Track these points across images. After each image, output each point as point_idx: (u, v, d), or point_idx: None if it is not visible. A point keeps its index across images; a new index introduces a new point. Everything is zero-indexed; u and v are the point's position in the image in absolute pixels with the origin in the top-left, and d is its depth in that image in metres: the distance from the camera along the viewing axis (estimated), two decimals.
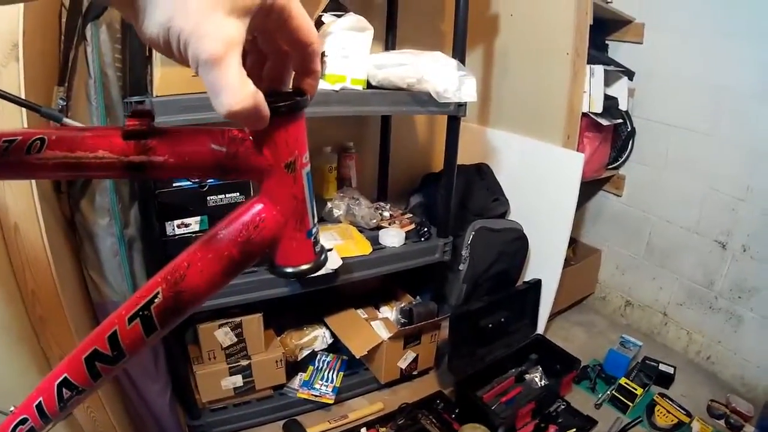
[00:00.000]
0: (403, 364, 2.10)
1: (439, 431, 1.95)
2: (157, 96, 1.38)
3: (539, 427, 2.02)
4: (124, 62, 1.43)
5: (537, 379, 2.21)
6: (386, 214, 2.18)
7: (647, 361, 2.33)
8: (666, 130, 2.38)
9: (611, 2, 2.38)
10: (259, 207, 0.51)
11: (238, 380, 1.88)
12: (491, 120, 2.56)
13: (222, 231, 0.52)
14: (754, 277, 2.17)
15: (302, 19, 0.43)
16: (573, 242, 2.70)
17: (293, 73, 0.50)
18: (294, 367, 2.05)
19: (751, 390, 2.19)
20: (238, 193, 1.65)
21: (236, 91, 0.38)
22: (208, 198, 1.61)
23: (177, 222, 1.59)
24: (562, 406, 2.12)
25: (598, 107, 2.29)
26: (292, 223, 0.52)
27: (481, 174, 2.44)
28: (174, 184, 1.55)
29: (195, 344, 1.85)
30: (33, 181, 1.20)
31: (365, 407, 2.04)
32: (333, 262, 1.77)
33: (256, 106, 0.39)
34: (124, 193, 1.52)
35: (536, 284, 2.31)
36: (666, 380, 2.27)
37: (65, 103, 1.22)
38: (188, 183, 1.57)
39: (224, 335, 1.80)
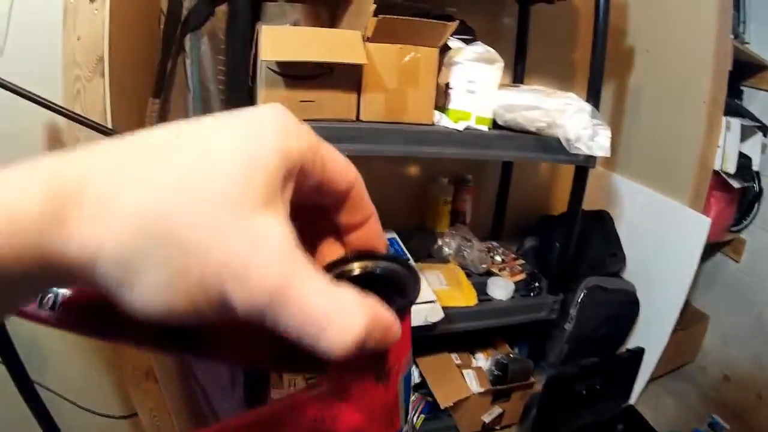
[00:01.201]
0: (487, 418, 2.01)
1: None
2: None
3: None
4: (228, 77, 1.32)
5: None
6: (498, 258, 2.06)
7: None
8: None
9: (749, 43, 2.10)
10: (334, 407, 0.40)
11: None
12: (617, 164, 2.34)
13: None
14: None
15: (335, 161, 0.30)
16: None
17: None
18: None
19: None
20: None
21: (340, 313, 0.24)
22: None
23: None
24: None
25: (732, 166, 2.05)
26: (376, 427, 0.41)
27: (602, 223, 2.25)
28: None
29: None
30: None
31: None
32: (434, 315, 1.67)
33: (377, 318, 0.26)
34: None
35: (639, 353, 2.14)
36: None
37: None
38: None
39: None
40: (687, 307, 2.54)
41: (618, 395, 2.21)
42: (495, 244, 2.16)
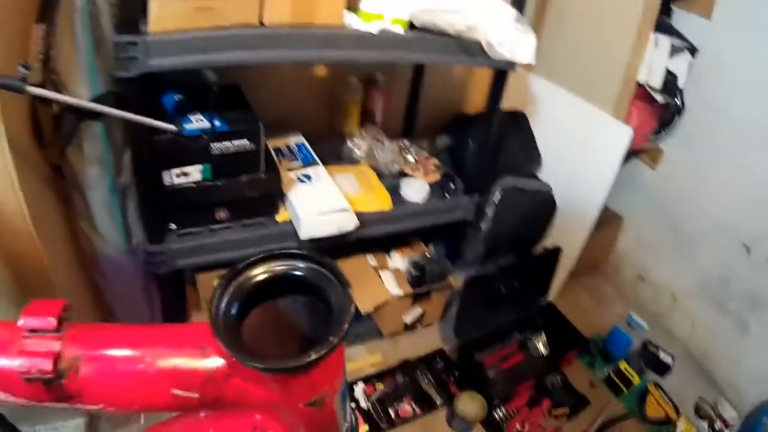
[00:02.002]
0: (408, 318, 2.04)
1: (436, 393, 1.92)
2: (151, 33, 1.15)
3: (533, 399, 1.99)
4: None
5: (540, 347, 2.16)
6: (410, 158, 2.02)
7: (648, 347, 2.27)
8: (720, 119, 2.12)
9: None
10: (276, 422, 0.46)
11: None
12: (537, 65, 2.30)
13: None
14: None
15: None
16: None
17: None
18: None
19: (739, 398, 2.13)
20: (246, 140, 1.46)
21: None
22: (211, 145, 1.42)
23: (176, 171, 1.42)
24: (559, 379, 2.09)
25: (657, 81, 2.07)
26: None
27: (517, 123, 2.24)
28: (172, 129, 1.34)
29: (194, 289, 1.74)
30: (6, 142, 1.04)
31: (364, 358, 1.98)
32: (347, 224, 1.64)
33: None
34: (116, 138, 1.34)
35: (556, 252, 2.19)
36: (663, 369, 2.22)
37: (26, 71, 1.00)
38: (191, 128, 1.38)
39: None
40: (602, 207, 2.60)
41: (536, 293, 2.28)
42: (407, 143, 2.08)
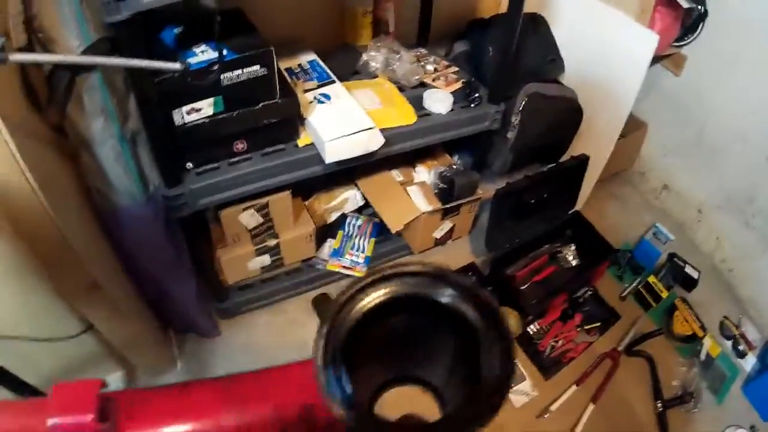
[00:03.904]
0: (438, 234, 2.00)
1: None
2: None
3: (566, 313, 2.00)
4: None
5: (570, 258, 2.15)
6: (429, 67, 1.93)
7: (675, 260, 2.22)
8: (744, 25, 2.02)
9: None
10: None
11: (265, 260, 1.78)
12: None
13: None
14: None
15: None
16: None
17: None
18: (323, 232, 1.93)
19: (763, 319, 2.11)
20: (257, 66, 1.34)
21: None
22: (221, 77, 1.31)
23: (186, 108, 1.33)
24: (590, 292, 2.09)
25: None
26: None
27: (536, 26, 2.12)
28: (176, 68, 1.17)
29: (218, 225, 1.68)
30: None
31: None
32: (374, 143, 1.57)
33: None
34: (117, 84, 1.23)
35: (584, 161, 2.13)
36: (690, 284, 2.18)
37: (3, 39, 0.89)
38: (197, 62, 1.29)
39: (249, 217, 1.65)
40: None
41: (565, 203, 2.23)
42: (423, 51, 1.99)
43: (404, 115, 1.71)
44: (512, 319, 1.83)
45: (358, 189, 1.95)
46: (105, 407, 0.49)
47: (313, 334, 0.47)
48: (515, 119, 1.92)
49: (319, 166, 1.58)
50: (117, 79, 1.23)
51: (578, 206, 2.29)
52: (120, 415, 0.50)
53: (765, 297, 2.13)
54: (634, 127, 2.52)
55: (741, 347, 2.01)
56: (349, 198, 1.94)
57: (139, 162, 1.32)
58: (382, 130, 1.59)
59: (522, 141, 1.96)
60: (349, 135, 1.50)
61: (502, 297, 1.93)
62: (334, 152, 1.50)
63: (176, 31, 1.30)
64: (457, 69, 1.96)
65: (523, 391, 1.77)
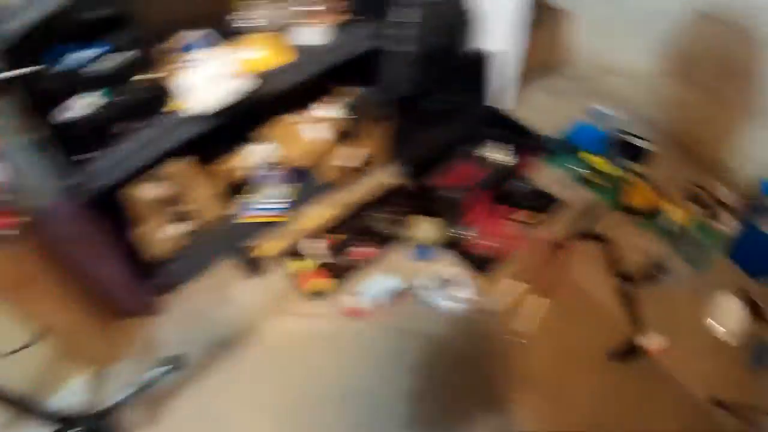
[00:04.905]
0: (354, 162, 1.99)
1: (394, 228, 1.94)
2: None
3: (500, 209, 1.99)
4: None
5: (497, 157, 2.13)
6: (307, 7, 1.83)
7: (619, 136, 2.14)
8: None
9: None
10: None
11: (182, 227, 1.79)
12: None
13: None
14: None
15: None
16: None
17: None
18: (237, 189, 1.94)
19: (732, 176, 2.07)
20: (126, 52, 1.46)
21: None
22: (90, 69, 1.39)
23: (65, 105, 1.41)
24: (526, 186, 2.07)
25: None
26: None
27: None
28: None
29: (130, 204, 1.70)
30: None
31: (319, 214, 1.99)
32: (244, 84, 1.55)
33: None
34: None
35: (479, 55, 2.08)
36: (641, 156, 2.11)
37: None
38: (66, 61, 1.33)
39: (153, 189, 1.67)
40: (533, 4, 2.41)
41: (473, 101, 2.21)
42: None
43: (282, 55, 1.68)
44: (427, 225, 1.85)
45: (262, 142, 1.93)
46: None
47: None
48: (407, 31, 1.86)
49: (196, 127, 1.58)
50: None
51: (510, 104, 2.27)
52: None
53: (728, 153, 2.08)
54: (553, 16, 2.45)
55: (714, 211, 1.97)
56: (252, 151, 1.93)
57: (43, 163, 1.36)
58: (262, 73, 1.59)
59: (418, 52, 1.91)
60: (212, 82, 1.51)
61: (425, 208, 1.94)
62: (204, 103, 1.51)
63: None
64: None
65: (466, 299, 1.77)
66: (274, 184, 1.95)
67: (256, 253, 1.86)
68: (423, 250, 1.87)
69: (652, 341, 1.65)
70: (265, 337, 1.72)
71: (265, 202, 1.91)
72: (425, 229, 1.84)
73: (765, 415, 1.54)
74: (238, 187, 1.94)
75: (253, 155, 1.93)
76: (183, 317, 1.81)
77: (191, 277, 1.88)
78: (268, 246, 1.88)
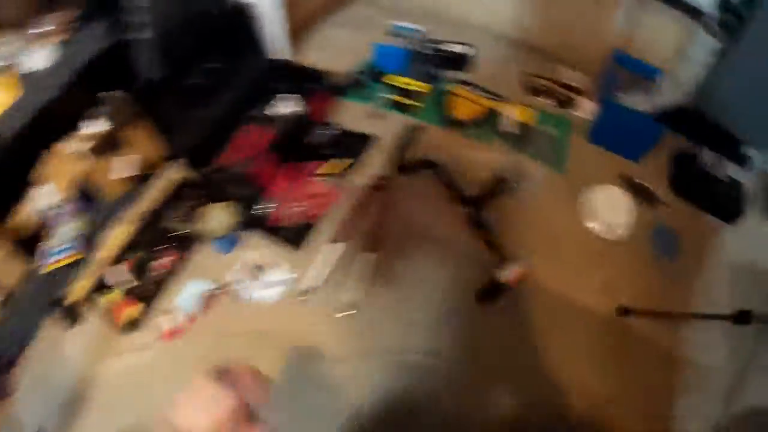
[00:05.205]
0: (131, 170, 1.84)
1: (186, 225, 1.80)
2: None
3: (298, 167, 1.82)
4: None
5: (283, 112, 1.92)
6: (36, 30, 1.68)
7: (433, 45, 1.98)
8: None
9: None
10: None
11: None
12: None
13: None
14: None
15: None
16: None
17: None
18: (36, 239, 1.81)
19: (581, 60, 1.91)
20: None
21: None
22: None
23: None
24: (327, 133, 1.89)
25: None
26: None
27: None
28: None
29: None
30: None
31: (113, 238, 1.85)
32: None
33: None
34: None
35: (238, 9, 1.89)
36: (462, 64, 1.96)
37: None
38: None
39: None
40: None
41: (249, 60, 2.00)
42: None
43: (11, 91, 1.56)
44: (222, 214, 1.70)
45: (42, 182, 1.79)
46: None
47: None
48: (142, 18, 1.69)
49: None
50: None
51: (290, 52, 2.09)
52: None
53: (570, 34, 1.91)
54: None
55: (565, 98, 1.84)
56: (39, 194, 1.79)
57: None
58: None
59: (161, 32, 1.74)
60: None
61: (217, 194, 1.78)
62: None
63: None
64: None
65: (279, 281, 1.66)
66: (65, 221, 1.82)
67: (69, 299, 1.75)
68: (224, 241, 1.73)
69: (511, 272, 1.47)
70: (101, 386, 1.60)
71: (62, 242, 1.79)
72: (216, 217, 1.69)
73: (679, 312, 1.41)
74: (36, 237, 1.82)
75: (40, 198, 1.80)
76: (31, 389, 1.73)
77: (25, 346, 1.79)
78: (78, 288, 1.76)
